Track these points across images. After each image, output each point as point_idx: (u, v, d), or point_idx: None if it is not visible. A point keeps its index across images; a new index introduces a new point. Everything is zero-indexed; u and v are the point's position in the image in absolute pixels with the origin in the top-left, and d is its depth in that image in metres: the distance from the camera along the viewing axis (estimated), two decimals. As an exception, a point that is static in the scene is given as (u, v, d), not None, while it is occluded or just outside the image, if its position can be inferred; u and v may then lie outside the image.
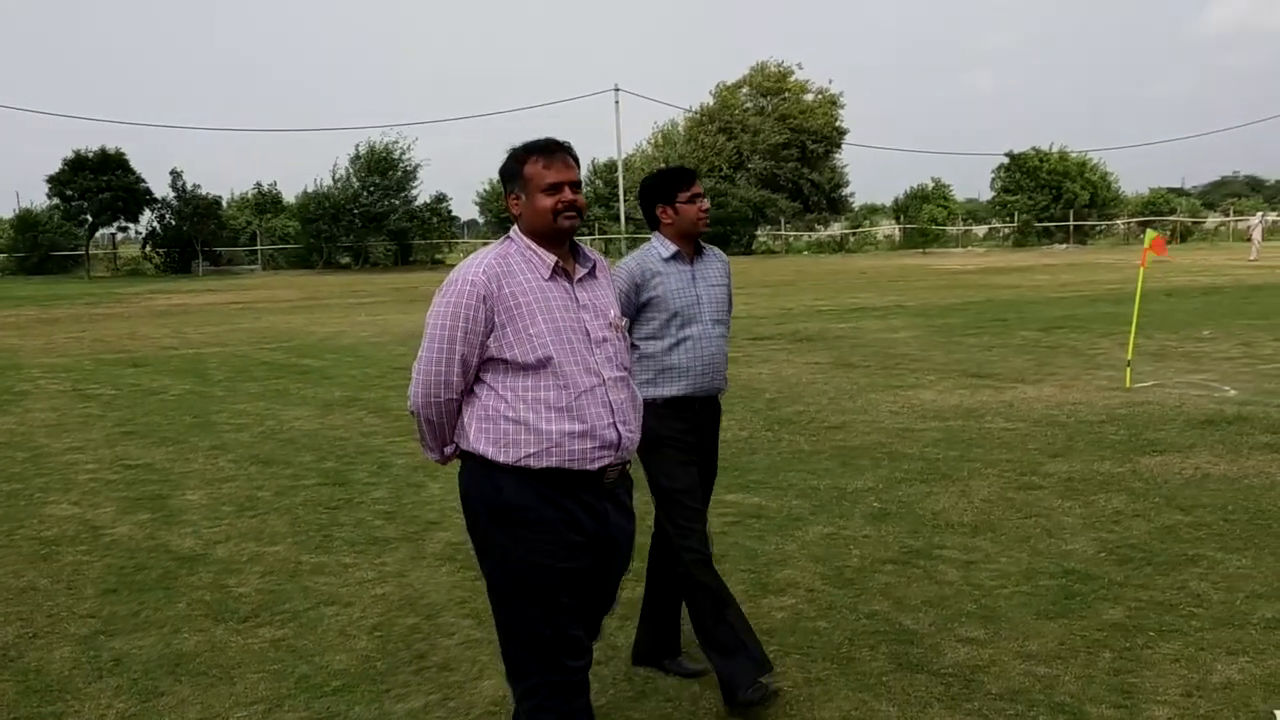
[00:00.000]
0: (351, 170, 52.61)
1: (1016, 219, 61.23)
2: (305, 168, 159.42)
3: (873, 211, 70.02)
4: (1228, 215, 66.04)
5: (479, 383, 2.92)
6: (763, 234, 60.65)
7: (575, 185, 2.95)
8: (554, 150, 2.96)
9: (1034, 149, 62.54)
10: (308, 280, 41.96)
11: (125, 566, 5.50)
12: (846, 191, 67.83)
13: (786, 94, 64.68)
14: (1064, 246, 56.63)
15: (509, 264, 2.90)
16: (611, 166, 61.44)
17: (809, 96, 64.98)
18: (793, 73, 65.31)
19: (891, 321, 17.71)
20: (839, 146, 65.77)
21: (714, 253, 4.12)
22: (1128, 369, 10.41)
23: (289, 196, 55.80)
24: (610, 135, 60.81)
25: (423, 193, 54.83)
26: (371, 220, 51.27)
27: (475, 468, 2.93)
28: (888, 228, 65.55)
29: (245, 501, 6.75)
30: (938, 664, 4.05)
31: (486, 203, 60.33)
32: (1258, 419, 8.36)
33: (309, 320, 21.53)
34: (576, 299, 2.95)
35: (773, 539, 5.67)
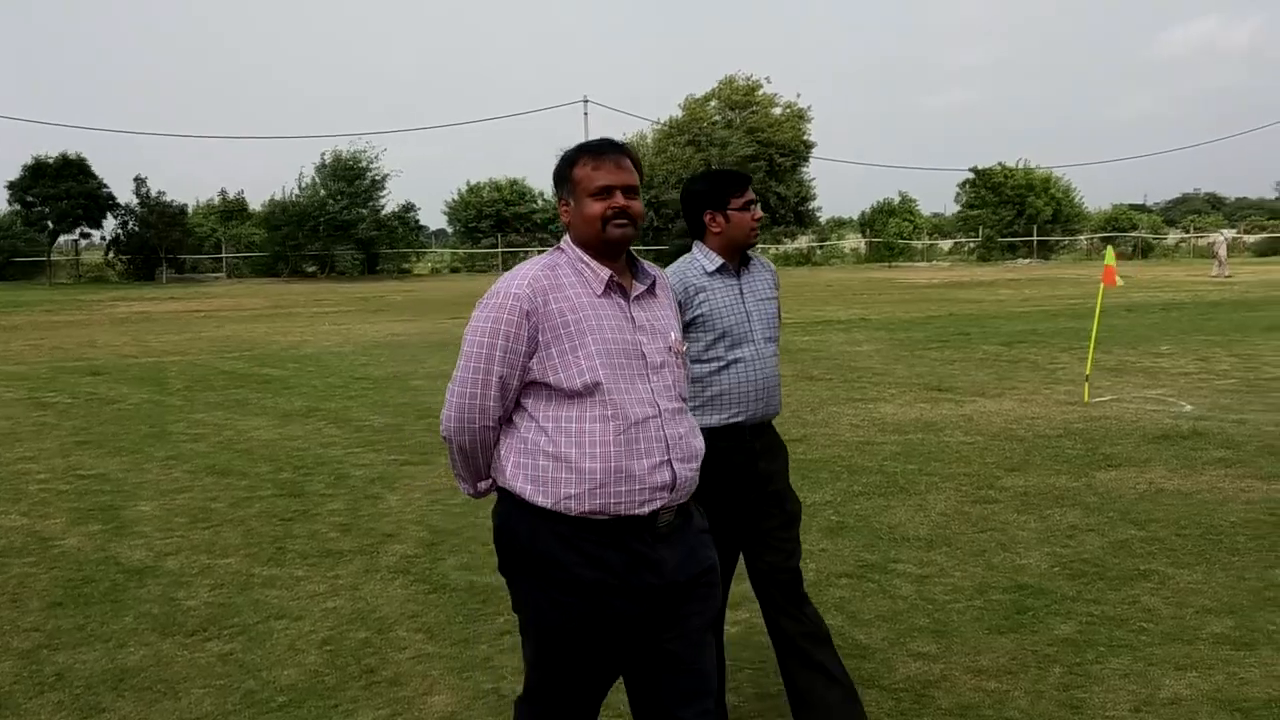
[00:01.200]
0: (318, 179, 52.34)
1: (981, 234, 61.70)
2: (272, 176, 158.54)
3: (839, 225, 70.31)
4: (1188, 232, 66.87)
5: (518, 410, 2.61)
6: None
7: (630, 190, 2.64)
8: (606, 150, 2.67)
9: (999, 164, 63.10)
10: (273, 289, 41.64)
11: (73, 579, 5.42)
12: (814, 205, 68.08)
13: (755, 107, 64.90)
14: (1028, 261, 57.10)
15: (557, 276, 2.60)
16: (580, 178, 61.37)
17: (777, 110, 65.24)
18: (761, 86, 65.57)
19: (855, 335, 17.79)
20: (806, 160, 66.03)
21: (761, 263, 3.71)
22: (1086, 384, 10.50)
23: (255, 204, 55.45)
24: (579, 146, 60.81)
25: (390, 202, 54.70)
26: (338, 229, 50.96)
27: (509, 508, 2.62)
28: (854, 241, 65.85)
29: (199, 513, 6.67)
30: (889, 679, 4.05)
31: (455, 212, 60.17)
32: (1212, 434, 8.45)
33: (272, 329, 21.36)
34: (632, 318, 2.63)
35: (729, 552, 5.65)
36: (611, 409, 2.53)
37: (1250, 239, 61.81)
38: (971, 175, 64.01)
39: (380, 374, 13.52)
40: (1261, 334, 16.49)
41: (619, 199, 2.62)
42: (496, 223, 58.05)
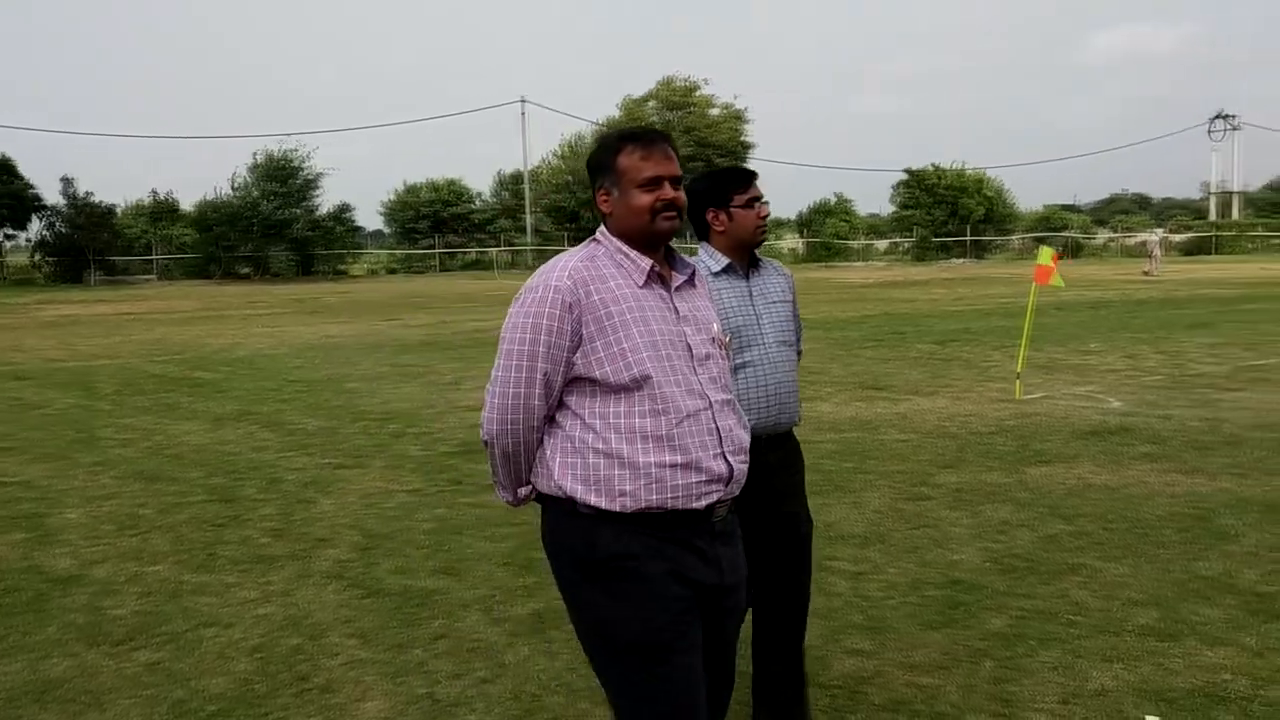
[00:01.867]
0: (251, 178, 51.58)
1: (916, 234, 62.49)
2: (203, 176, 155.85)
3: (778, 225, 70.84)
4: (1116, 232, 68.28)
5: (562, 409, 2.52)
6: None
7: (676, 180, 2.56)
8: (653, 140, 2.57)
9: (932, 165, 63.96)
10: (205, 290, 40.98)
11: (-6, 589, 5.28)
12: (752, 205, 68.42)
13: (693, 108, 65.14)
14: (961, 261, 57.94)
15: (598, 268, 2.52)
16: (518, 178, 61.22)
17: (715, 111, 65.53)
18: (699, 87, 65.82)
19: (793, 334, 17.89)
20: (745, 161, 66.42)
21: (773, 266, 3.57)
22: (1018, 381, 10.67)
23: (187, 205, 54.49)
24: (517, 146, 60.57)
25: (326, 202, 54.06)
26: (272, 229, 50.26)
27: (560, 513, 2.52)
28: (793, 241, 66.37)
29: (126, 520, 6.53)
30: (824, 676, 4.07)
31: (392, 213, 59.64)
32: (1139, 430, 8.62)
33: (204, 332, 21.00)
34: (675, 309, 2.57)
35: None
36: (662, 402, 2.46)
37: (1176, 238, 63.31)
38: (905, 176, 64.82)
39: (315, 377, 13.35)
40: (1186, 331, 16.87)
41: (668, 190, 2.54)
42: (434, 223, 57.66)
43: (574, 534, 2.50)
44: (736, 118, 65.80)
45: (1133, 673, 4.02)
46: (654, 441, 2.45)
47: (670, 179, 2.54)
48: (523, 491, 2.63)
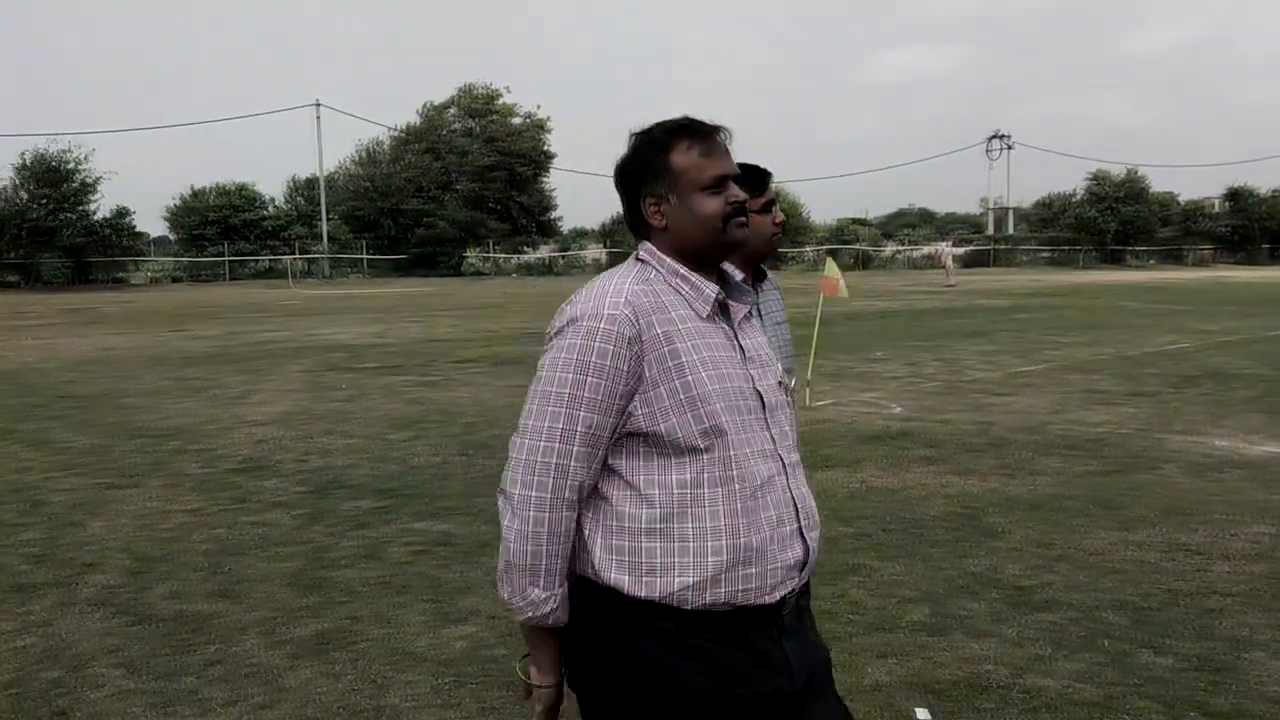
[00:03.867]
0: (18, 180, 48.31)
1: (715, 245, 63.94)
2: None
3: (581, 235, 71.30)
4: (903, 245, 71.72)
5: (607, 476, 2.01)
6: (472, 255, 60.45)
7: (738, 179, 2.12)
8: (708, 131, 2.09)
9: (730, 178, 65.64)
10: (-32, 300, 38.11)
11: None
12: (555, 215, 68.73)
13: (494, 116, 64.87)
14: (759, 272, 59.65)
15: (656, 294, 2.02)
16: (313, 184, 59.54)
17: (517, 120, 65.44)
18: (501, 95, 65.60)
19: (593, 344, 18.00)
20: (547, 170, 66.57)
21: (771, 280, 3.01)
22: (807, 389, 11.04)
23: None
24: (312, 151, 58.93)
25: (103, 207, 51.16)
26: (42, 236, 47.19)
27: (598, 605, 2.00)
28: (596, 251, 66.88)
29: None
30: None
31: (177, 218, 56.96)
32: (918, 434, 9.05)
33: (-35, 344, 19.51)
34: (741, 348, 2.08)
35: (458, 566, 5.59)
36: (736, 467, 1.97)
37: (958, 251, 66.98)
38: (704, 188, 66.27)
39: (88, 392, 12.58)
40: (964, 340, 17.86)
41: (736, 190, 2.09)
42: (223, 230, 55.35)
43: (613, 633, 1.99)
44: (539, 126, 65.89)
45: (904, 667, 4.19)
46: (727, 519, 1.96)
47: (734, 178, 2.10)
48: (561, 591, 2.01)
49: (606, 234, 67.07)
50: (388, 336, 19.79)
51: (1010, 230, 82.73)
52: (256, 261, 55.63)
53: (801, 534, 2.05)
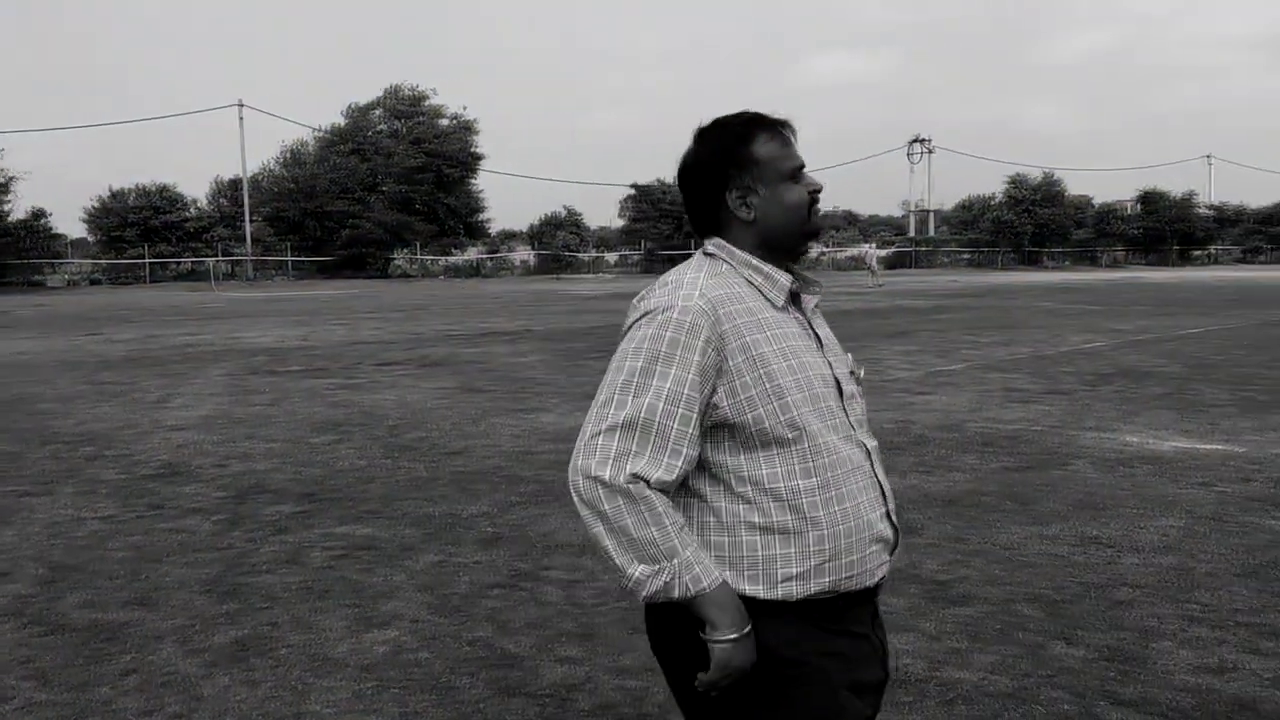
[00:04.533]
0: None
1: (644, 246, 64.20)
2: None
3: (509, 237, 71.05)
4: (828, 246, 72.49)
5: (698, 472, 1.99)
6: (399, 257, 59.94)
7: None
8: (780, 122, 2.11)
9: (658, 180, 65.92)
10: (-127, 303, 36.86)
11: None
12: (483, 217, 68.44)
13: (422, 118, 64.43)
14: (687, 273, 59.97)
15: (730, 286, 2.02)
16: (236, 184, 58.59)
17: (444, 121, 65.05)
18: (428, 97, 65.18)
19: (520, 346, 17.97)
20: (475, 172, 66.28)
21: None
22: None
23: None
24: (235, 152, 57.93)
25: (18, 208, 49.88)
26: (-47, 237, 45.95)
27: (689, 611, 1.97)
28: (524, 253, 66.73)
29: None
30: (535, 686, 4.09)
31: (95, 220, 55.70)
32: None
33: None
34: (816, 337, 2.11)
35: (382, 570, 5.54)
36: (827, 454, 1.98)
37: (882, 253, 67.91)
38: (633, 191, 66.53)
39: None
40: (886, 340, 18.11)
41: (813, 180, 2.12)
42: (143, 231, 54.25)
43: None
44: (466, 128, 65.61)
45: (824, 663, 4.25)
46: (824, 507, 1.96)
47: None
48: (691, 543, 1.93)
49: (535, 235, 66.97)
50: (311, 339, 19.55)
51: (931, 232, 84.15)
52: (178, 264, 54.65)
53: (889, 516, 2.10)
